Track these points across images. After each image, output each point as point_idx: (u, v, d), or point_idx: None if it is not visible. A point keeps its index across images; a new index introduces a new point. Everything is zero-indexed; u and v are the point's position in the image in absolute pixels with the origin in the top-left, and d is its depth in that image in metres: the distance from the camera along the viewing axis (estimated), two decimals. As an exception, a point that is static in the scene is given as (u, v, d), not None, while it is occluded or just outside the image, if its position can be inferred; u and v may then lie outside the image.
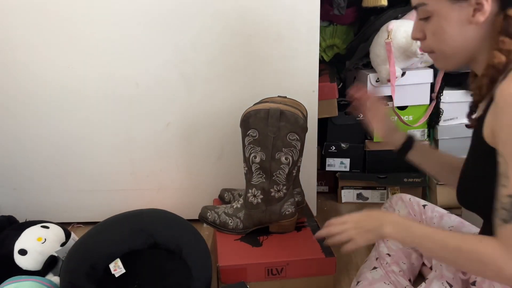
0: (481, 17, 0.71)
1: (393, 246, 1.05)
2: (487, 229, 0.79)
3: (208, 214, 1.22)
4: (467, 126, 0.83)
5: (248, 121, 1.12)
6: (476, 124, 0.77)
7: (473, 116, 0.81)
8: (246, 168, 1.19)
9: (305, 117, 1.14)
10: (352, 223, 0.84)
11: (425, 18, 0.78)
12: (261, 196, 1.18)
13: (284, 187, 1.17)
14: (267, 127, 1.10)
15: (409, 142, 1.03)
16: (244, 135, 1.15)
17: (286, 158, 1.14)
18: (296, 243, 1.12)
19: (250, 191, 1.19)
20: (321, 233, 0.89)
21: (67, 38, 1.27)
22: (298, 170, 1.22)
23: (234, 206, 1.20)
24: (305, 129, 1.11)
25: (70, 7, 1.24)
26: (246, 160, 1.17)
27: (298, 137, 1.11)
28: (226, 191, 1.38)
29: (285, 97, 1.19)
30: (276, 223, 1.18)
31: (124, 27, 1.26)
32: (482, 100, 0.75)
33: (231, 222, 1.18)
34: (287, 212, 1.17)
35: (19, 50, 1.29)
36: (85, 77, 1.31)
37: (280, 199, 1.18)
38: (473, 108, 0.79)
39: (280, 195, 1.18)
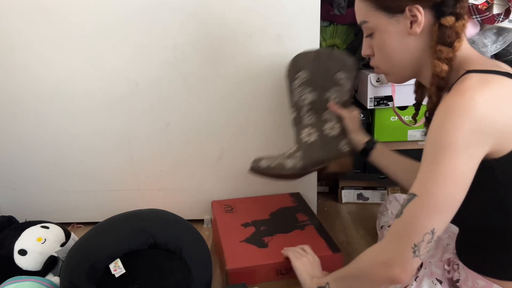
0: (417, 28, 0.74)
1: None
2: (463, 239, 0.80)
3: (261, 162, 1.18)
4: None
5: (297, 63, 1.14)
6: None
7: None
8: (295, 113, 1.17)
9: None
10: (311, 256, 1.02)
11: (369, 35, 0.83)
12: (316, 134, 1.14)
13: (337, 125, 1.13)
14: (316, 66, 1.11)
15: (371, 143, 1.08)
16: (291, 80, 1.16)
17: (335, 97, 1.13)
18: (302, 241, 1.12)
19: (303, 131, 1.16)
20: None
21: (67, 38, 1.27)
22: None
23: (288, 152, 1.16)
24: (355, 68, 1.12)
25: (70, 7, 1.24)
26: (294, 104, 1.17)
27: (347, 76, 1.11)
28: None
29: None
30: (335, 161, 1.13)
31: (124, 27, 1.26)
32: (435, 107, 0.76)
33: (289, 162, 1.13)
34: (344, 149, 1.12)
35: (19, 50, 1.29)
36: (84, 77, 1.31)
37: (335, 138, 1.13)
38: (429, 116, 0.81)
39: (334, 133, 1.13)
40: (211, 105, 1.35)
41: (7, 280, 1.02)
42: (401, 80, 0.86)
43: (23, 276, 1.04)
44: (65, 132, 1.38)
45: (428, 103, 0.79)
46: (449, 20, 0.72)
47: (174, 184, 1.45)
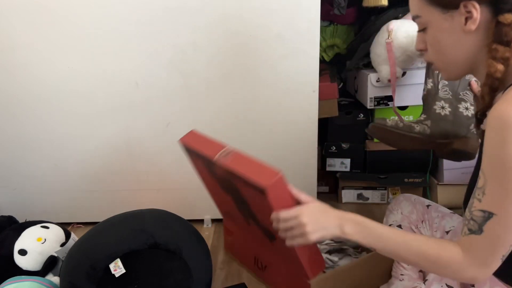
0: (472, 25, 0.71)
1: None
2: None
3: (386, 120, 1.13)
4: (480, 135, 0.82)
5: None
6: (482, 136, 0.76)
7: (482, 126, 0.80)
8: (431, 84, 1.12)
9: None
10: (307, 216, 0.81)
11: (422, 30, 0.79)
12: (449, 109, 1.08)
13: (472, 107, 1.08)
14: None
15: None
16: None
17: (469, 84, 1.09)
18: None
19: (437, 103, 1.10)
20: (276, 227, 0.86)
21: (67, 38, 1.27)
22: None
23: (417, 119, 1.12)
24: None
25: (70, 7, 1.24)
26: (432, 75, 1.12)
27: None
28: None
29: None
30: (463, 139, 1.06)
31: (124, 27, 1.26)
32: (487, 109, 0.74)
33: (417, 127, 1.09)
34: (474, 132, 1.05)
35: (19, 50, 1.29)
36: (85, 77, 1.31)
37: (468, 118, 1.07)
38: (480, 117, 0.79)
39: (468, 113, 1.07)
40: (211, 105, 1.35)
41: (7, 280, 1.02)
42: (455, 77, 0.82)
43: (23, 276, 1.04)
44: (65, 132, 1.38)
45: (478, 103, 0.77)
46: (507, 17, 0.68)
47: (174, 184, 1.45)
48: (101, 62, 1.30)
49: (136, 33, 1.27)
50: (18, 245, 1.13)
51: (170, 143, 1.39)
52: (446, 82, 1.11)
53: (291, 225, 0.82)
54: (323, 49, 1.67)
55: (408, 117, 1.47)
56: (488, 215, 0.67)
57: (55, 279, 1.08)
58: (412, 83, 1.42)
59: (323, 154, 1.58)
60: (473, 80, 1.06)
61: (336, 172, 1.59)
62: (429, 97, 1.12)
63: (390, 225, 1.16)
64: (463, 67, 0.77)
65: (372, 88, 1.44)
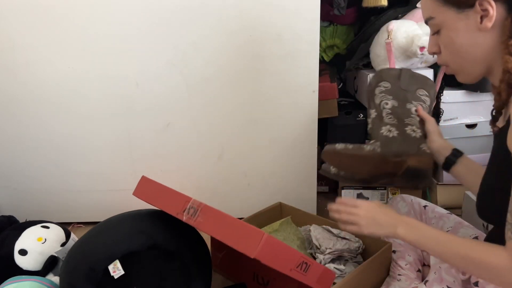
0: (488, 23, 0.71)
1: (398, 240, 1.07)
2: (497, 237, 0.79)
3: (336, 145, 1.13)
4: (495, 133, 0.80)
5: (381, 75, 1.16)
6: (500, 133, 0.75)
7: (497, 123, 0.80)
8: (375, 114, 1.15)
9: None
10: (366, 211, 0.84)
11: (436, 32, 0.78)
12: (397, 131, 1.10)
13: (419, 130, 1.10)
14: (399, 82, 1.13)
15: (457, 153, 1.00)
16: (375, 85, 1.16)
17: (416, 110, 1.12)
18: None
19: (383, 127, 1.12)
20: (332, 208, 0.90)
21: (67, 38, 1.27)
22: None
23: (366, 143, 1.12)
24: (434, 88, 1.15)
25: (70, 7, 1.24)
26: (376, 106, 1.15)
27: (427, 94, 1.13)
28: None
29: None
30: (415, 157, 1.08)
31: (124, 27, 1.26)
32: (503, 106, 0.74)
33: (367, 147, 1.08)
34: (426, 150, 1.06)
35: (19, 50, 1.29)
36: (85, 77, 1.31)
37: (415, 139, 1.09)
38: (496, 114, 0.78)
39: (416, 135, 1.09)
40: (211, 105, 1.35)
41: (7, 280, 1.02)
42: (472, 79, 0.80)
43: (23, 276, 1.04)
44: (65, 132, 1.38)
45: (495, 100, 0.76)
46: None
47: (174, 184, 1.45)
48: (101, 62, 1.30)
49: (136, 33, 1.27)
50: (19, 245, 1.13)
51: (170, 143, 1.40)
52: (390, 110, 1.13)
53: (348, 210, 0.86)
54: (323, 49, 1.67)
55: (407, 117, 1.47)
56: None
57: (56, 279, 1.08)
58: (412, 83, 1.42)
59: (323, 154, 1.57)
60: (419, 106, 1.10)
61: (336, 172, 1.59)
62: (374, 126, 1.14)
63: None
64: (479, 66, 0.77)
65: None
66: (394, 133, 1.09)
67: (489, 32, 0.72)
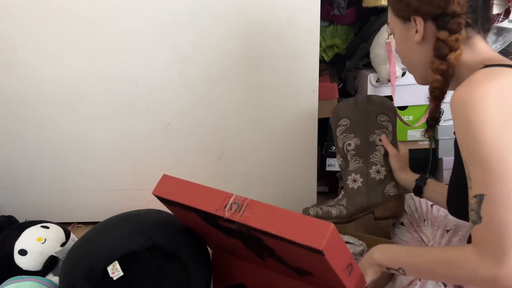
0: (417, 37, 0.80)
1: (403, 237, 1.10)
2: None
3: (310, 210, 1.19)
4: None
5: (338, 112, 1.19)
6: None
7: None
8: (341, 159, 1.21)
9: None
10: None
11: (392, 34, 0.89)
12: (361, 179, 1.16)
13: (383, 168, 1.15)
14: (356, 113, 1.16)
15: (422, 180, 1.07)
16: (335, 127, 1.20)
17: (380, 140, 1.15)
18: None
19: (349, 177, 1.18)
20: None
21: (67, 38, 1.27)
22: None
23: (336, 199, 1.19)
24: (394, 110, 1.16)
25: (70, 7, 1.24)
26: (340, 150, 1.20)
27: (388, 118, 1.15)
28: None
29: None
30: (381, 206, 1.13)
31: (124, 27, 1.26)
32: (434, 113, 0.89)
33: (334, 211, 1.15)
34: (390, 193, 1.12)
35: (19, 50, 1.29)
36: (85, 76, 1.31)
37: (381, 181, 1.15)
38: (430, 123, 0.92)
39: (380, 176, 1.15)
40: (211, 105, 1.35)
41: (7, 280, 1.02)
42: (421, 81, 0.89)
43: (23, 276, 1.04)
44: (65, 132, 1.38)
45: (430, 111, 0.87)
46: (442, 34, 0.76)
47: (174, 184, 1.45)
48: (101, 62, 1.30)
49: (136, 33, 1.27)
50: (18, 245, 1.13)
51: (170, 143, 1.40)
52: (354, 151, 1.18)
53: None
54: (323, 49, 1.67)
55: (408, 117, 1.47)
56: (480, 198, 0.67)
57: (56, 279, 1.08)
58: (412, 83, 1.41)
59: (323, 154, 1.58)
60: (383, 136, 1.15)
61: (336, 172, 1.59)
62: (343, 172, 1.21)
63: (393, 224, 1.17)
64: (420, 72, 0.86)
65: (372, 88, 1.44)
66: (359, 182, 1.16)
67: (424, 46, 0.81)
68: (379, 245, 0.85)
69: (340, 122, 1.19)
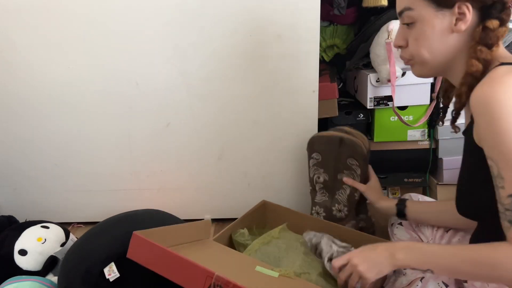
0: (462, 26, 0.75)
1: (402, 237, 1.09)
2: (481, 234, 0.80)
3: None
4: (463, 132, 0.84)
5: (313, 145, 1.25)
6: (467, 131, 0.79)
7: (457, 123, 0.88)
8: (310, 188, 1.30)
9: (366, 148, 1.22)
10: (357, 258, 0.83)
11: (408, 24, 0.81)
12: (324, 214, 1.26)
13: (346, 208, 1.23)
14: (329, 151, 1.21)
15: (401, 204, 1.08)
16: (309, 157, 1.28)
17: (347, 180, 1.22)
18: None
19: (314, 208, 1.28)
20: (339, 282, 0.88)
21: (67, 38, 1.27)
22: (364, 198, 1.25)
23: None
24: (364, 157, 1.19)
25: (70, 7, 1.24)
26: (310, 180, 1.28)
27: (357, 163, 1.19)
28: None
29: (353, 129, 1.28)
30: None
31: (124, 27, 1.26)
32: (462, 107, 0.79)
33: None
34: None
35: (19, 50, 1.29)
36: (85, 77, 1.31)
37: (341, 219, 1.24)
38: (455, 115, 0.83)
39: (341, 215, 1.24)
40: (211, 105, 1.35)
41: (7, 280, 1.02)
42: (427, 74, 0.85)
43: (23, 276, 1.04)
44: (65, 132, 1.38)
45: (456, 102, 0.80)
46: (494, 23, 0.73)
47: (174, 184, 1.45)
48: (101, 62, 1.30)
49: (137, 33, 1.27)
50: (18, 245, 1.13)
51: (170, 143, 1.40)
52: (322, 185, 1.25)
53: (348, 272, 0.84)
54: (323, 49, 1.67)
55: (408, 117, 1.47)
56: None
57: (56, 279, 1.08)
58: (412, 83, 1.42)
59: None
60: (347, 178, 1.21)
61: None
62: (311, 199, 1.29)
63: (392, 224, 1.17)
64: (441, 65, 0.81)
65: (372, 88, 1.44)
66: (321, 216, 1.27)
67: (459, 35, 0.76)
68: (400, 244, 0.82)
69: (313, 154, 1.25)
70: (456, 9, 0.75)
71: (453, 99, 0.84)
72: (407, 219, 1.08)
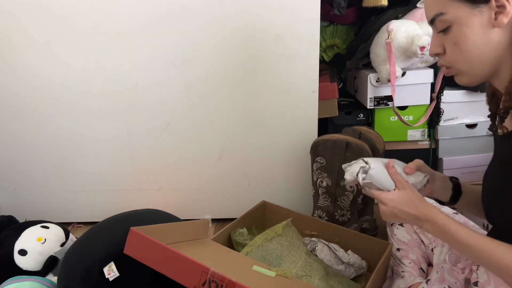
0: (504, 19, 0.69)
1: (402, 238, 1.08)
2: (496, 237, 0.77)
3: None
4: (496, 133, 0.77)
5: (317, 149, 1.23)
6: (508, 136, 0.73)
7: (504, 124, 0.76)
8: (313, 191, 1.28)
9: (378, 150, 1.19)
10: (387, 208, 0.82)
11: (443, 30, 0.74)
12: (326, 218, 1.25)
13: (348, 213, 1.22)
14: (333, 156, 1.19)
15: (456, 186, 0.94)
16: (312, 161, 1.25)
17: (350, 186, 1.20)
18: None
19: (316, 211, 1.27)
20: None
21: (67, 38, 1.27)
22: (371, 199, 1.26)
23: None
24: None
25: (70, 7, 1.24)
26: (313, 183, 1.26)
27: None
28: None
29: (372, 129, 1.27)
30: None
31: (124, 27, 1.26)
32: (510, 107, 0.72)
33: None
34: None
35: (19, 50, 1.29)
36: (85, 77, 1.31)
37: (344, 223, 1.23)
38: (503, 115, 0.74)
39: (344, 219, 1.23)
40: (211, 105, 1.35)
41: (7, 280, 1.02)
42: (476, 80, 0.76)
43: (23, 276, 1.04)
44: (65, 132, 1.38)
45: (505, 100, 0.73)
46: None
47: (174, 184, 1.45)
48: (101, 62, 1.30)
49: (137, 33, 1.27)
50: (18, 245, 1.13)
51: (170, 143, 1.40)
52: (325, 189, 1.24)
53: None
54: (323, 49, 1.67)
55: (408, 117, 1.47)
56: None
57: (56, 279, 1.08)
58: (412, 83, 1.42)
59: (323, 154, 1.58)
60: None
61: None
62: (314, 203, 1.28)
63: (392, 224, 1.17)
64: (487, 67, 0.74)
65: (372, 88, 1.44)
66: (324, 219, 1.25)
67: (501, 30, 0.70)
68: (433, 218, 0.77)
69: (317, 158, 1.24)
70: (493, 2, 0.68)
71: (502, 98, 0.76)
72: (458, 204, 0.95)
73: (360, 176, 0.82)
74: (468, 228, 0.75)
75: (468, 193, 0.93)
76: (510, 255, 0.69)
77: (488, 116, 0.84)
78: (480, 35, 0.71)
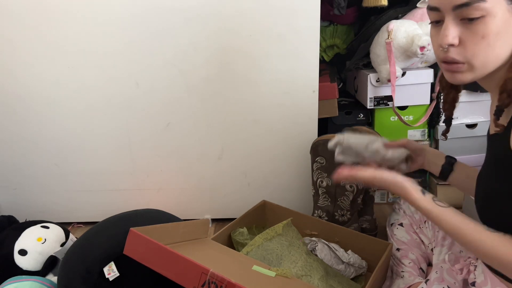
0: None
1: (402, 238, 1.08)
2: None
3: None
4: (496, 132, 0.75)
5: (317, 149, 1.24)
6: (504, 134, 0.72)
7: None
8: (313, 191, 1.29)
9: None
10: (376, 181, 0.81)
11: (472, 19, 0.67)
12: (326, 218, 1.25)
13: (348, 213, 1.23)
14: (333, 156, 1.16)
15: (450, 163, 0.96)
16: (312, 161, 1.26)
17: (350, 186, 1.21)
18: None
19: (316, 211, 1.28)
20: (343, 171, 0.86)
21: (67, 38, 1.27)
22: (371, 199, 1.26)
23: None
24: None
25: (70, 7, 1.24)
26: (313, 183, 1.27)
27: None
28: None
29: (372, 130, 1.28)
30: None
31: (124, 27, 1.26)
32: (509, 105, 0.70)
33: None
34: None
35: (19, 50, 1.29)
36: (85, 77, 1.31)
37: (344, 223, 1.24)
38: (499, 113, 0.72)
39: (344, 219, 1.24)
40: (211, 105, 1.35)
41: (7, 280, 1.02)
42: (478, 78, 0.73)
43: (23, 276, 1.04)
44: (65, 132, 1.38)
45: (503, 98, 0.71)
46: None
47: (174, 184, 1.45)
48: (101, 62, 1.30)
49: (137, 33, 1.27)
50: (18, 245, 1.13)
51: (170, 143, 1.40)
52: (325, 189, 1.25)
53: (359, 176, 0.84)
54: (323, 49, 1.67)
55: (408, 117, 1.47)
56: None
57: (56, 279, 1.08)
58: (412, 83, 1.42)
59: (323, 154, 1.58)
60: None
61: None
62: (313, 203, 1.29)
63: (391, 224, 1.17)
64: (498, 64, 0.70)
65: (372, 88, 1.44)
66: (324, 219, 1.25)
67: None
68: (418, 202, 0.77)
69: (317, 158, 1.24)
70: None
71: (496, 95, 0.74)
72: (449, 179, 0.97)
73: (333, 142, 0.96)
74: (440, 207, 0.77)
75: (461, 173, 0.95)
76: (497, 240, 0.68)
77: (444, 122, 0.89)
78: (507, 33, 0.68)
